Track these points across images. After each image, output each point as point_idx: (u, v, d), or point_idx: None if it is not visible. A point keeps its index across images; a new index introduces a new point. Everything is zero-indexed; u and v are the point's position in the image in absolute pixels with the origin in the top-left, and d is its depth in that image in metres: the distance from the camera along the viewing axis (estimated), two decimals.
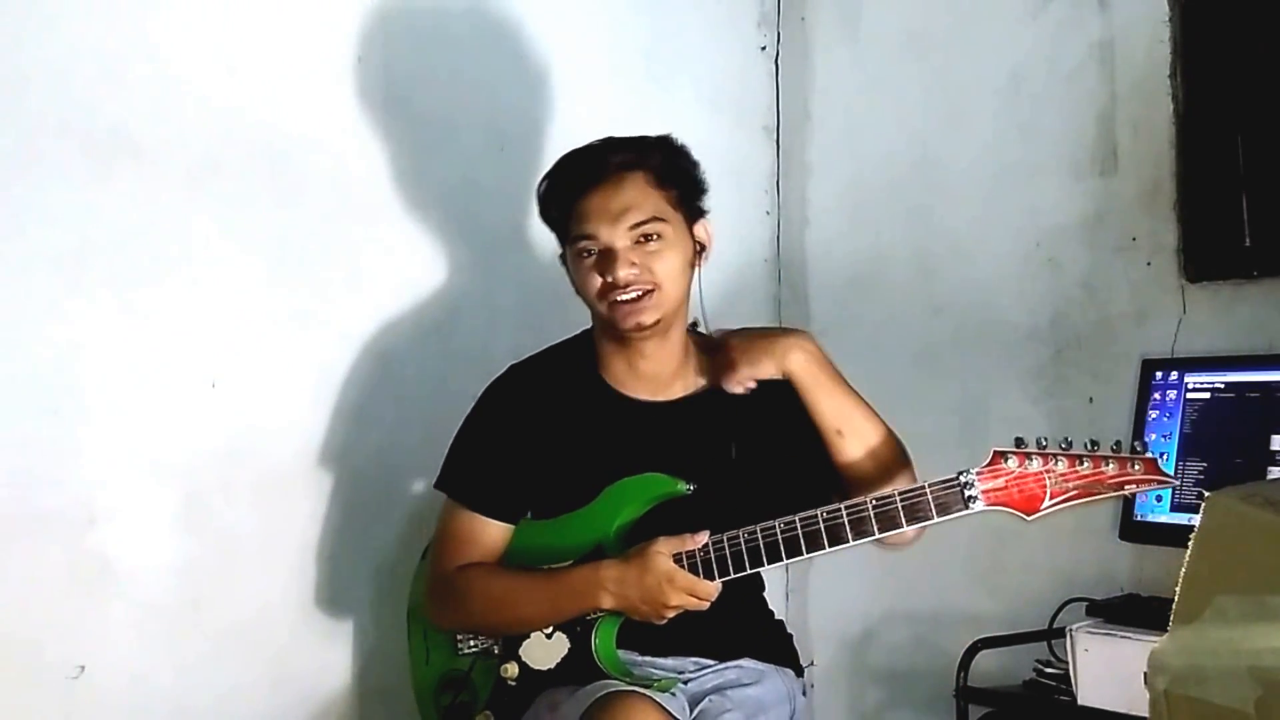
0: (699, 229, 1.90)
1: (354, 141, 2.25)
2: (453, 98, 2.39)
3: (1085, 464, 1.62)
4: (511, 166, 2.44)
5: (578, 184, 1.85)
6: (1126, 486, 1.61)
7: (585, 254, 1.83)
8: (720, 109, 2.83)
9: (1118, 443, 1.63)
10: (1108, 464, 1.61)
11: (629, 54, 2.67)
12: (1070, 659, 2.00)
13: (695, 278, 1.88)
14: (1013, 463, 1.64)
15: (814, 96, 2.92)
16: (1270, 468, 2.02)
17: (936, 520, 1.65)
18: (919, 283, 2.69)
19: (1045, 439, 1.64)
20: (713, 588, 1.72)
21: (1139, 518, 2.16)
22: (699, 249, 1.89)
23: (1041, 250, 2.48)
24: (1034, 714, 2.14)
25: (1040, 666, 2.14)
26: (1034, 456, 1.64)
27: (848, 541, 1.67)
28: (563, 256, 1.93)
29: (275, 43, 2.17)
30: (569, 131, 2.46)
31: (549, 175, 1.92)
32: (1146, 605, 2.07)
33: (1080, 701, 1.98)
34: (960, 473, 1.65)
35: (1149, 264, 2.33)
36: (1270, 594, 1.25)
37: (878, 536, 1.67)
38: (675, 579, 1.71)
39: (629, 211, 1.81)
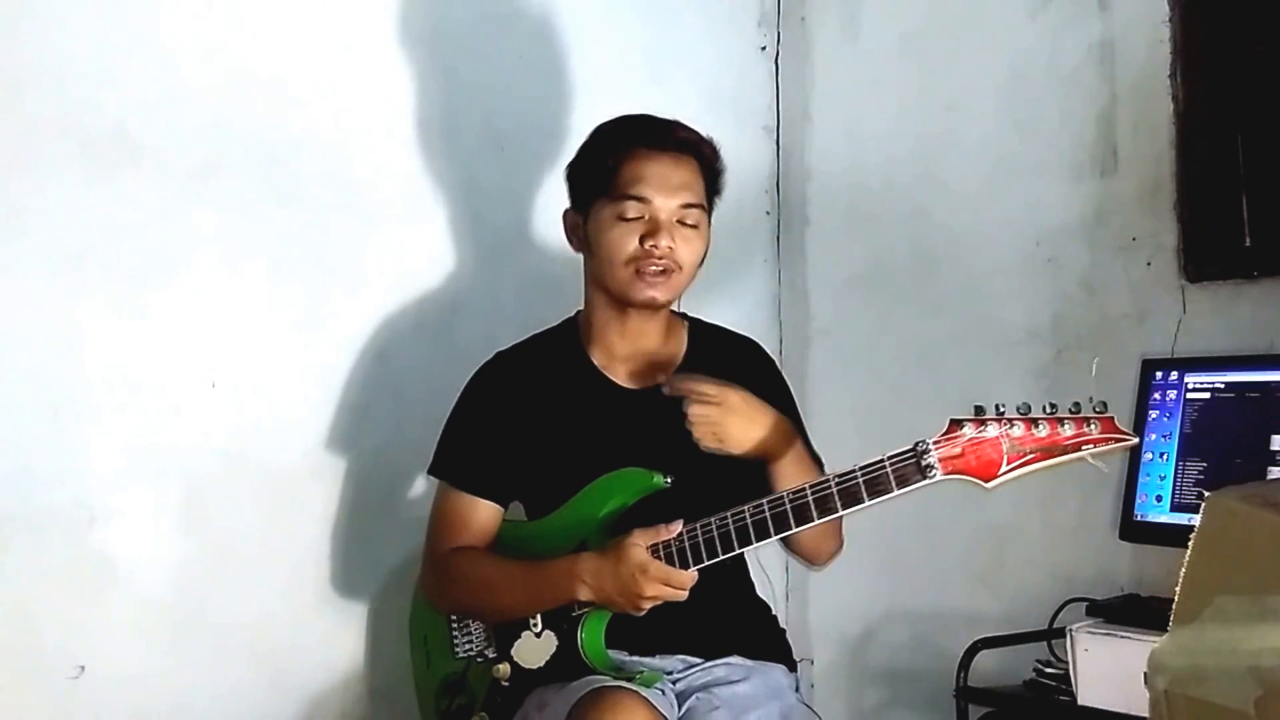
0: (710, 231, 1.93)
1: (354, 141, 2.25)
2: (453, 98, 2.39)
3: (1042, 427, 1.59)
4: (511, 166, 2.44)
5: (643, 143, 1.86)
6: (1084, 447, 1.58)
7: (626, 215, 1.84)
8: (720, 109, 2.83)
9: (1076, 404, 1.60)
10: (1064, 426, 1.59)
11: (629, 54, 2.67)
12: (1070, 659, 2.00)
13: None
14: (969, 429, 1.61)
15: (814, 96, 2.92)
16: (1270, 468, 2.02)
17: (897, 493, 1.63)
18: (919, 283, 2.69)
19: (1003, 405, 1.62)
20: (688, 577, 1.72)
21: (1139, 518, 2.15)
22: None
23: (1041, 250, 2.48)
24: (1034, 714, 2.13)
25: (1040, 666, 2.13)
26: (989, 422, 1.61)
27: (813, 520, 1.67)
28: (573, 214, 1.93)
29: (275, 43, 2.17)
30: (569, 131, 2.47)
31: (606, 127, 1.93)
32: (1146, 605, 2.07)
33: (1080, 701, 1.98)
34: (917, 442, 1.63)
35: (1149, 264, 2.33)
36: (1270, 594, 1.25)
37: (842, 513, 1.67)
38: (649, 570, 1.71)
39: (685, 190, 1.85)
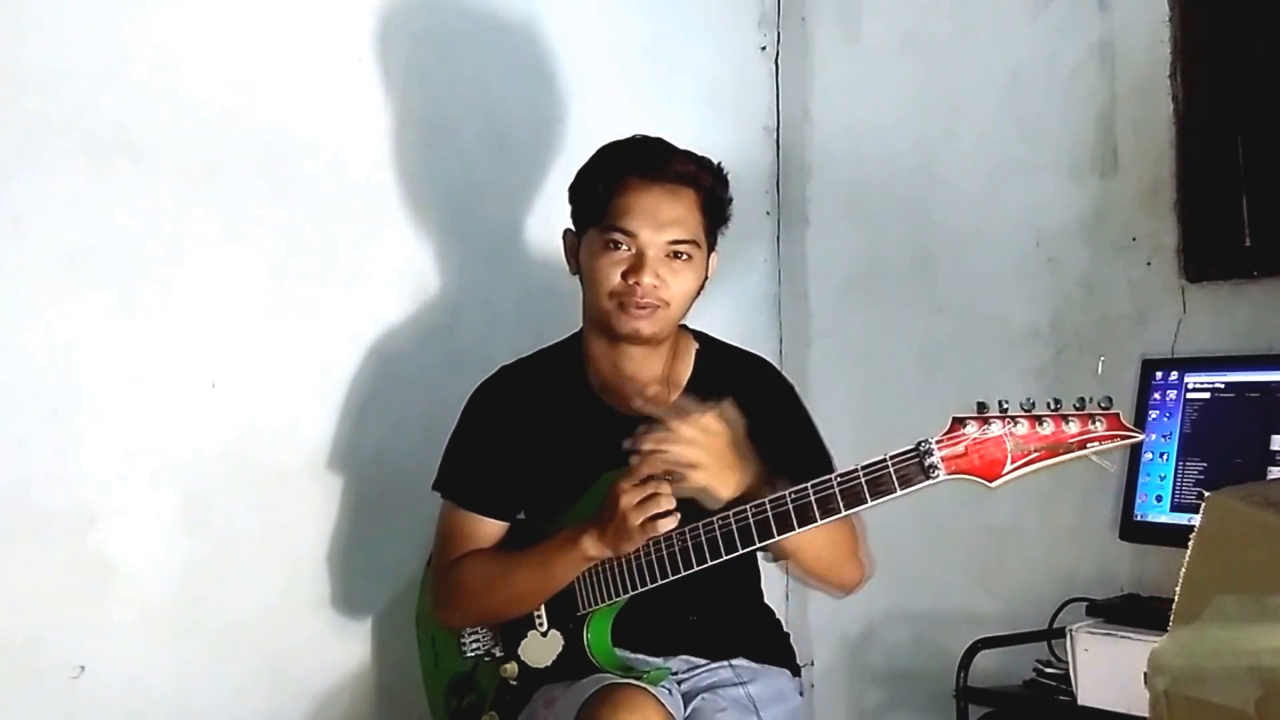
0: (711, 261, 1.91)
1: (354, 141, 2.25)
2: (453, 98, 2.39)
3: (1046, 425, 1.54)
4: (511, 166, 2.44)
5: (636, 173, 1.82)
6: (1090, 444, 1.54)
7: (613, 246, 1.81)
8: (720, 109, 2.83)
9: (1081, 400, 1.56)
10: (1069, 423, 1.54)
11: (629, 54, 2.67)
12: (1070, 659, 2.00)
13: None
14: (972, 428, 1.57)
15: (814, 96, 2.92)
16: (1270, 468, 2.02)
17: (900, 493, 1.59)
18: (919, 283, 2.69)
19: (1006, 401, 1.58)
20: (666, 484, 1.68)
21: (1139, 518, 2.16)
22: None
23: (1041, 250, 2.48)
24: (1034, 714, 2.14)
25: (1040, 666, 2.14)
26: (993, 420, 1.56)
27: (815, 520, 1.63)
28: (571, 235, 1.91)
29: (275, 43, 2.17)
30: (569, 131, 2.47)
31: (603, 152, 1.89)
32: (1146, 605, 2.07)
33: (1080, 701, 1.98)
34: (919, 442, 1.59)
35: (1149, 264, 2.33)
36: (1270, 594, 1.25)
37: (844, 513, 1.63)
38: (618, 484, 1.68)
39: (675, 225, 1.81)
